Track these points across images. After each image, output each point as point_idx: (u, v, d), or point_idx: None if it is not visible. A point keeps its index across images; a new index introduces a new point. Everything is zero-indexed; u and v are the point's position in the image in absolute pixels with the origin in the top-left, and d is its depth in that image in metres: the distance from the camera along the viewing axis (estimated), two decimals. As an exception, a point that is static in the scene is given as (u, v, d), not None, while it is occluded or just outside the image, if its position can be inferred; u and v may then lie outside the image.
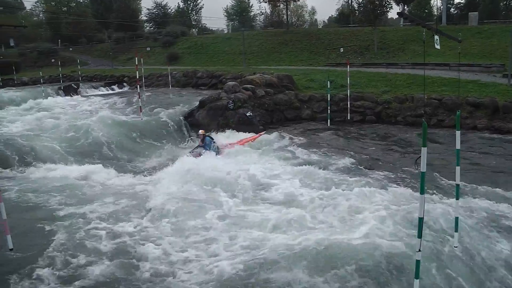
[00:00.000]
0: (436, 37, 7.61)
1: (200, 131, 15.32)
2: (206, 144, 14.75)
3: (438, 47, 7.59)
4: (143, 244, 8.15)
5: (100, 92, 31.79)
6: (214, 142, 15.03)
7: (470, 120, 18.78)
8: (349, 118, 20.14)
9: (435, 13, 64.97)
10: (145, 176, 13.13)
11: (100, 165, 13.69)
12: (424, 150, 5.13)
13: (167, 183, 11.33)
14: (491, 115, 18.75)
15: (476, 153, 14.84)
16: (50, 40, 60.31)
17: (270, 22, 64.91)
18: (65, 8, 72.01)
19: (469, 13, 44.31)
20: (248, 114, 19.02)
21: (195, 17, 76.18)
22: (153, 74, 33.93)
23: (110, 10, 59.80)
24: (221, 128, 18.26)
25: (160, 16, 67.25)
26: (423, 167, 5.22)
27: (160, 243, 8.24)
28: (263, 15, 70.07)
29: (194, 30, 68.72)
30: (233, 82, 21.58)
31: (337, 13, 69.61)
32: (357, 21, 46.32)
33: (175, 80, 30.93)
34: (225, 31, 68.77)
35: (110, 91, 32.47)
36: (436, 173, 12.23)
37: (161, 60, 43.80)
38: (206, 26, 73.19)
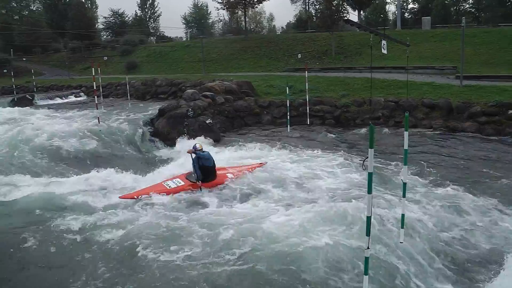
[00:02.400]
0: (384, 42, 7.74)
1: (197, 145, 12.25)
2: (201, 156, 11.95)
3: (385, 51, 7.73)
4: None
5: (56, 102, 31.00)
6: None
7: (426, 121, 19.32)
8: (308, 123, 20.31)
9: (390, 18, 66.64)
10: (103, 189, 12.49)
11: (56, 177, 13.23)
12: (371, 152, 5.26)
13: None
14: (446, 116, 19.33)
15: (431, 151, 15.27)
16: (2, 49, 58.36)
17: (229, 29, 65.08)
18: (17, 17, 69.81)
19: (422, 17, 45.60)
20: (208, 121, 18.92)
21: (153, 25, 75.69)
22: (111, 84, 33.36)
23: (65, 18, 58.46)
24: (182, 136, 18.07)
25: (118, 25, 66.41)
26: (370, 168, 5.37)
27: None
28: (221, 22, 70.33)
29: (152, 38, 68.19)
30: (193, 90, 21.45)
31: (295, 19, 70.22)
32: (314, 27, 46.90)
33: (134, 89, 30.48)
34: (184, 39, 68.38)
35: (67, 101, 31.72)
36: (386, 172, 12.57)
37: (120, 69, 43.26)
38: (165, 34, 72.57)
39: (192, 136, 17.88)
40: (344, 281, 7.02)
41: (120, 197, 10.90)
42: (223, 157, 14.70)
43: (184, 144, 16.95)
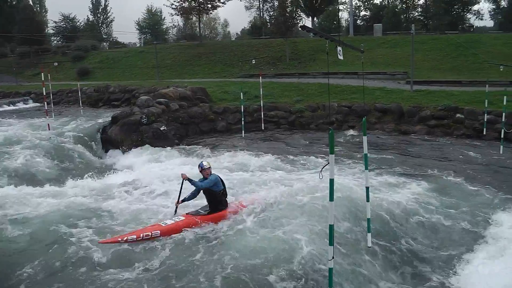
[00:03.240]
0: (339, 48, 7.82)
1: (205, 163, 9.62)
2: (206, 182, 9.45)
3: (341, 57, 7.80)
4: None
5: (3, 110, 29.87)
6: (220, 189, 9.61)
7: (378, 125, 19.76)
8: (263, 128, 20.36)
9: (343, 25, 67.82)
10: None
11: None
12: (331, 157, 5.17)
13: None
14: (397, 120, 19.85)
15: (388, 153, 15.63)
16: None
17: (183, 35, 64.63)
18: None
19: (374, 24, 46.64)
20: (162, 128, 18.68)
21: (106, 30, 74.25)
22: (62, 90, 32.44)
23: (13, 22, 56.40)
24: (135, 144, 17.75)
25: (69, 30, 64.76)
26: (331, 174, 5.26)
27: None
28: (176, 28, 69.74)
29: (105, 44, 66.83)
30: (146, 97, 21.11)
31: (250, 25, 70.52)
32: (269, 33, 47.20)
33: (86, 96, 29.76)
34: (138, 45, 67.43)
35: (16, 108, 30.61)
36: (346, 177, 12.67)
37: (71, 76, 42.19)
38: (118, 39, 71.37)
39: (147, 143, 17.62)
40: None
41: (100, 242, 8.07)
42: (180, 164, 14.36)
43: (137, 152, 16.68)
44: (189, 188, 9.48)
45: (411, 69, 24.55)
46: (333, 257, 5.38)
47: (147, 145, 17.55)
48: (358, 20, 66.33)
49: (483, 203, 10.64)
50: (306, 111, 21.14)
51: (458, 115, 19.40)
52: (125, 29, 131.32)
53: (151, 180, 12.44)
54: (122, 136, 18.22)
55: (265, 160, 14.73)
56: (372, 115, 20.09)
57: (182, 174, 9.36)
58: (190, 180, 9.22)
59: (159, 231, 8.49)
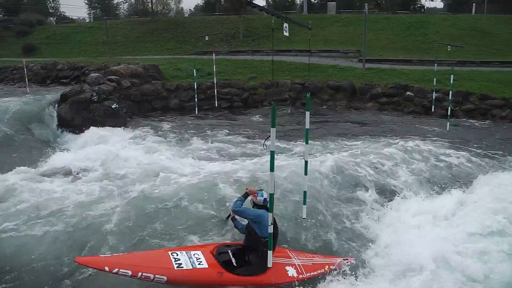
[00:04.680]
0: (285, 25, 7.83)
1: (264, 193, 6.77)
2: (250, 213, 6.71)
3: (287, 34, 7.84)
4: None
5: None
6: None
7: (331, 102, 20.06)
8: (216, 106, 20.22)
9: (297, 2, 67.78)
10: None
11: None
12: (273, 131, 5.46)
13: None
14: (349, 97, 20.18)
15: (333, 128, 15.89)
16: None
17: (135, 10, 62.93)
18: None
19: (328, 3, 46.77)
20: (113, 106, 18.20)
21: (53, 4, 71.21)
22: (6, 67, 31.05)
23: None
24: (87, 122, 17.19)
25: (11, 2, 61.70)
26: (272, 146, 5.59)
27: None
28: (127, 3, 67.67)
29: (52, 18, 64.26)
30: (97, 74, 20.48)
31: (203, 1, 69.44)
32: (223, 10, 46.63)
33: (32, 74, 28.55)
34: (87, 20, 65.15)
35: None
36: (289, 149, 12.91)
37: (16, 52, 40.35)
38: (66, 14, 68.62)
39: (99, 123, 17.09)
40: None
41: (76, 260, 5.89)
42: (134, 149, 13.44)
43: (87, 131, 16.14)
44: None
45: (364, 48, 24.88)
46: (271, 224, 5.84)
47: (98, 124, 17.01)
48: (312, -2, 66.45)
49: (420, 179, 11.06)
50: (260, 88, 21.12)
51: (408, 93, 19.94)
52: (73, 3, 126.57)
53: (94, 162, 11.85)
54: (72, 114, 17.61)
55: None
56: (324, 92, 20.34)
57: (231, 216, 7.33)
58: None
59: (165, 277, 5.94)
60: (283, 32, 7.80)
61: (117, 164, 11.53)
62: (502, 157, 13.10)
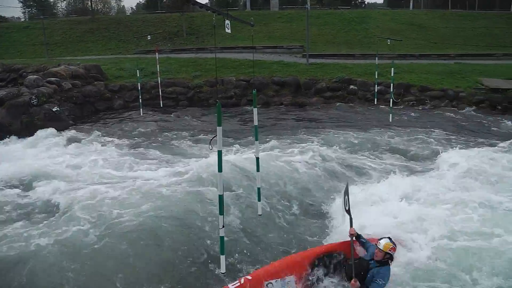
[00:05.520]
0: (227, 21, 7.77)
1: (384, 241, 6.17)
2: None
3: (228, 31, 7.76)
4: None
5: None
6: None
7: (277, 98, 20.24)
8: (161, 105, 19.89)
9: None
10: None
11: None
12: (219, 129, 5.28)
13: None
14: (294, 92, 20.42)
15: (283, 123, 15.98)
16: None
17: (74, 9, 61.10)
18: None
19: (271, -1, 47.07)
20: (55, 109, 17.60)
21: (-18, 3, 67.88)
22: None
23: None
24: (26, 127, 16.43)
25: None
26: (219, 146, 5.38)
27: None
28: (65, 2, 65.62)
29: (-17, 18, 61.25)
30: (35, 76, 19.70)
31: (145, -1, 68.40)
32: (165, 7, 46.01)
33: (-36, 77, 27.24)
34: (22, 19, 62.57)
35: None
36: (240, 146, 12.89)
37: None
38: (-3, 13, 65.54)
39: (38, 126, 16.38)
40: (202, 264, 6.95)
41: None
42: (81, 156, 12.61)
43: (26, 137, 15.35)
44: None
45: (307, 43, 25.16)
46: (223, 226, 5.55)
47: (39, 129, 16.18)
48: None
49: (369, 166, 11.43)
50: (205, 86, 20.96)
51: (351, 86, 20.37)
52: (5, 2, 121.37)
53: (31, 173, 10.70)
54: (9, 119, 16.82)
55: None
56: (270, 89, 20.47)
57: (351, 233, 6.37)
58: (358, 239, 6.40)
59: None
60: (225, 29, 7.74)
61: (55, 173, 10.74)
62: (444, 140, 14.05)
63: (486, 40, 32.61)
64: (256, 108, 7.05)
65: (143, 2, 70.81)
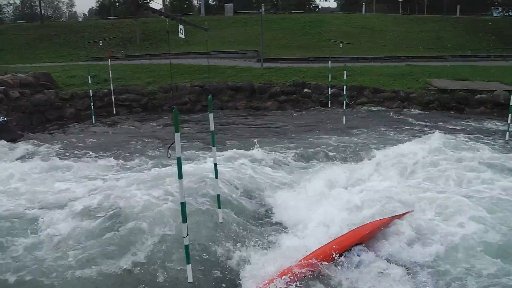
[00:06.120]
0: (180, 27, 7.67)
1: None
2: None
3: (182, 36, 7.66)
4: None
5: None
6: None
7: (231, 103, 20.20)
8: (115, 113, 19.51)
9: (195, 4, 67.62)
10: None
11: None
12: (177, 135, 5.18)
13: None
14: (249, 97, 20.46)
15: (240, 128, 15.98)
16: None
17: (21, 14, 59.35)
18: None
19: (225, 4, 47.10)
20: (1, 119, 16.95)
21: None
22: None
23: None
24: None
25: None
26: (178, 152, 5.25)
27: None
28: (11, 7, 63.63)
29: None
30: (-20, 85, 19.02)
31: (98, 5, 67.10)
32: (118, 13, 45.34)
33: None
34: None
35: None
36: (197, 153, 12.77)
37: None
38: None
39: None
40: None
41: None
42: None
43: None
44: None
45: (261, 48, 25.25)
46: (187, 234, 5.42)
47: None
48: (210, 0, 66.58)
49: (321, 165, 11.63)
50: (159, 92, 20.70)
51: (305, 89, 20.55)
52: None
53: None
54: (-50, 131, 16.13)
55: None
56: (224, 94, 20.44)
57: None
58: None
59: None
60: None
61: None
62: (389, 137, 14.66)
63: (435, 42, 33.66)
64: (212, 114, 6.93)
65: (95, 8, 69.51)
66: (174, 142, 5.28)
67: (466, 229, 7.06)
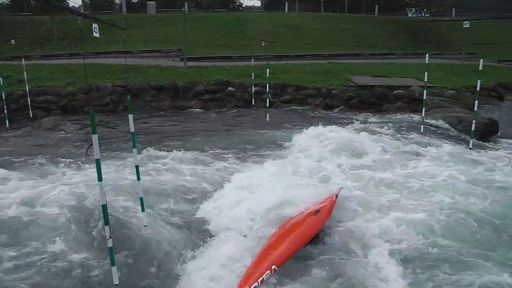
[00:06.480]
0: (95, 25, 7.46)
1: None
2: None
3: (97, 35, 7.48)
4: None
5: None
6: None
7: (154, 103, 19.85)
8: (31, 116, 18.58)
9: (117, 2, 65.82)
10: None
11: None
12: (95, 137, 5.09)
13: None
14: (173, 96, 20.19)
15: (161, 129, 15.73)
16: None
17: None
18: None
19: (148, 2, 46.19)
20: None
21: None
22: None
23: None
24: None
25: None
26: (96, 154, 5.17)
27: None
28: None
29: None
30: None
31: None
32: (33, 10, 43.25)
33: None
34: None
35: None
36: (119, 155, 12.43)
37: None
38: None
39: None
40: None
41: None
42: None
43: None
44: None
45: (184, 46, 25.01)
46: (110, 237, 5.39)
47: None
48: (131, -3, 65.11)
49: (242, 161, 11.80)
50: (79, 93, 19.91)
51: (229, 88, 20.57)
52: None
53: None
54: None
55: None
56: (147, 94, 20.04)
57: None
58: None
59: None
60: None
61: None
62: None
63: (355, 40, 34.79)
64: (131, 115, 6.77)
65: (6, 2, 65.47)
66: (92, 144, 5.19)
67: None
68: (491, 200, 8.28)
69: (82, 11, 38.79)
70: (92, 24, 7.18)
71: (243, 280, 5.92)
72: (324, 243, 7.10)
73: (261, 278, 5.92)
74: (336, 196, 8.12)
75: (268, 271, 6.04)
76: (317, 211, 7.42)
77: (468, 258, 6.49)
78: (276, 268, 6.14)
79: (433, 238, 7.07)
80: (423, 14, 56.43)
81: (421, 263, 6.44)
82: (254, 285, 5.82)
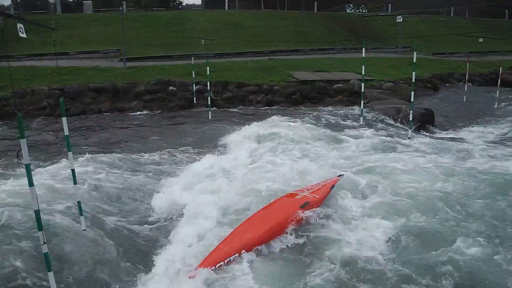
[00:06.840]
0: (20, 25, 7.21)
1: None
2: None
3: (23, 35, 7.21)
4: None
5: None
6: None
7: (94, 105, 19.34)
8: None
9: (51, 1, 63.65)
10: None
11: None
12: (23, 142, 4.98)
13: None
14: (113, 98, 19.77)
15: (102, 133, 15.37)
16: None
17: None
18: None
19: (84, 1, 44.87)
20: None
21: None
22: None
23: None
24: None
25: None
26: (26, 159, 5.06)
27: None
28: None
29: None
30: None
31: None
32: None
33: None
34: None
35: None
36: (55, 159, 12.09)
37: None
38: None
39: None
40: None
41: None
42: None
43: None
44: None
45: (122, 46, 24.54)
46: (44, 242, 5.30)
47: None
48: (69, -3, 63.14)
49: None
50: (12, 98, 19.12)
51: (170, 87, 20.37)
52: None
53: None
54: None
55: None
56: (86, 96, 19.51)
57: None
58: None
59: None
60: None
61: None
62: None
63: (295, 37, 35.22)
64: (65, 117, 6.69)
65: None
66: (21, 149, 5.07)
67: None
68: (441, 182, 8.59)
69: (12, 11, 37.39)
70: (15, 24, 6.93)
71: (206, 259, 5.97)
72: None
73: (227, 259, 5.97)
74: (333, 186, 8.06)
75: (237, 254, 6.08)
76: (306, 203, 7.21)
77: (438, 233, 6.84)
78: (245, 252, 6.18)
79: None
80: (360, 10, 57.98)
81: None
82: (219, 264, 5.88)
